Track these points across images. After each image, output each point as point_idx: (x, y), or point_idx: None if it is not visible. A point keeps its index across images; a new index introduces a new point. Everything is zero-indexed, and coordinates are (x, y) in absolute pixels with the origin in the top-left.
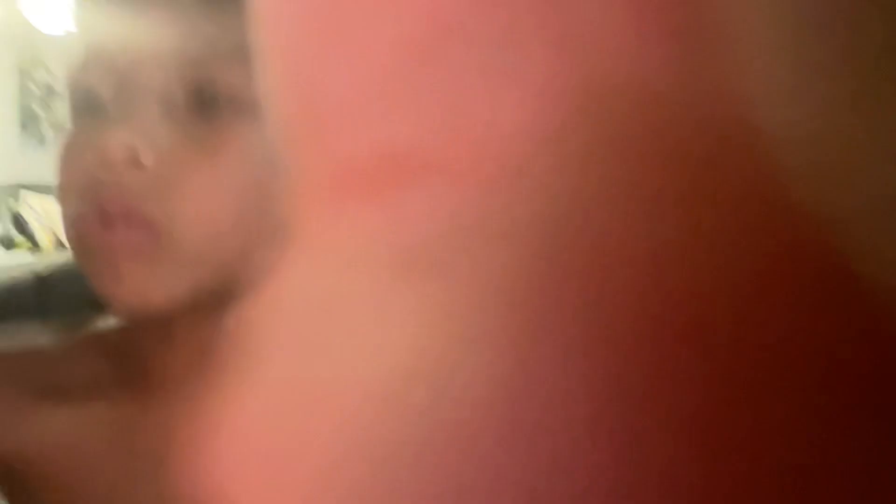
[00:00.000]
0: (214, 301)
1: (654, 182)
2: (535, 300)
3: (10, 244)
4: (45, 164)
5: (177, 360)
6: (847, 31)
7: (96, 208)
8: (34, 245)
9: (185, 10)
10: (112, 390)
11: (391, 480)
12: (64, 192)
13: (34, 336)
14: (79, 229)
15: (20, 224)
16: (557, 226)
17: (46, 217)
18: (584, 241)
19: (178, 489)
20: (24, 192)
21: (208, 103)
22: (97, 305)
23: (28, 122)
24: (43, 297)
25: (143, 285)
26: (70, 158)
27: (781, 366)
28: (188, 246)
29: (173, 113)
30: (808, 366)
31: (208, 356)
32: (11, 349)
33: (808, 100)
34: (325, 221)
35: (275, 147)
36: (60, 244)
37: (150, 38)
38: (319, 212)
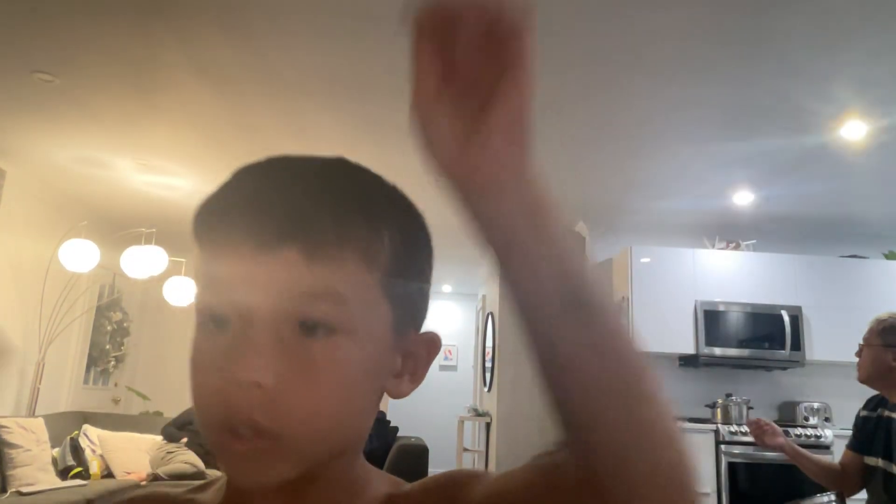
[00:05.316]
0: (312, 474)
1: None
2: None
3: (67, 471)
4: (106, 398)
5: None
6: None
7: (226, 420)
8: (86, 472)
9: (291, 264)
10: None
11: None
12: (197, 397)
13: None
14: (212, 433)
15: (77, 451)
16: None
17: (100, 446)
18: None
19: None
20: (84, 424)
21: (308, 329)
22: None
23: (97, 356)
24: None
25: (262, 475)
26: (201, 368)
27: None
28: (297, 444)
29: (282, 338)
30: None
31: None
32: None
33: None
34: None
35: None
36: (109, 472)
37: (266, 281)
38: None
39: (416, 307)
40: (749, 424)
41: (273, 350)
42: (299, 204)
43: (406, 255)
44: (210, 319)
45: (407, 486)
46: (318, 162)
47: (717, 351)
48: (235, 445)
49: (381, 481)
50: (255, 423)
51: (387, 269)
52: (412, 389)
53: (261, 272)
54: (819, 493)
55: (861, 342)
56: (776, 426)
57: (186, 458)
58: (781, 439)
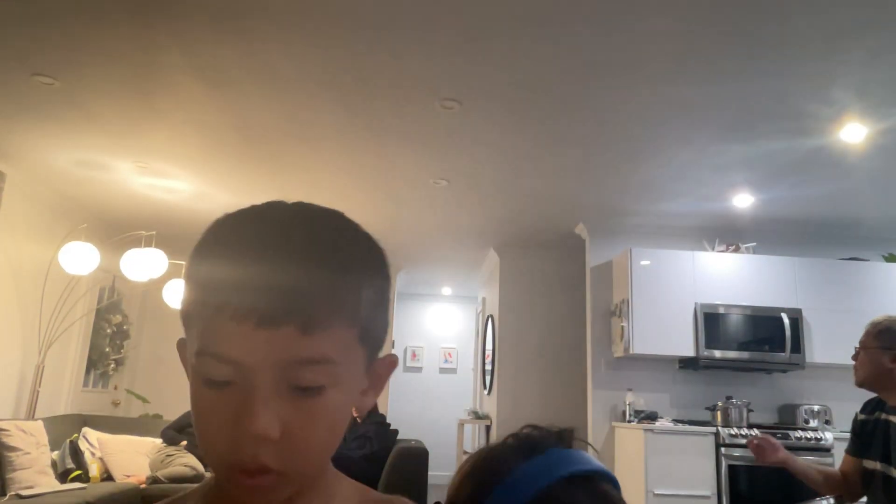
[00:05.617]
0: (297, 490)
1: None
2: None
3: (66, 474)
4: (105, 401)
5: None
6: None
7: (236, 461)
8: (85, 475)
9: (290, 337)
10: None
11: None
12: (206, 443)
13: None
14: (222, 469)
15: (76, 454)
16: None
17: (100, 449)
18: None
19: None
20: (84, 427)
21: (303, 390)
22: None
23: (97, 359)
24: None
25: (267, 501)
26: (208, 419)
27: None
28: (298, 475)
29: (281, 397)
30: None
31: None
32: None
33: None
34: None
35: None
36: (108, 475)
37: (265, 351)
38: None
39: (382, 341)
40: (748, 444)
41: (274, 407)
42: (297, 281)
43: (377, 304)
44: (212, 381)
45: (373, 493)
46: (304, 224)
47: (717, 353)
48: (244, 480)
49: (347, 484)
50: (263, 465)
51: (364, 322)
52: (374, 401)
53: (260, 343)
54: (817, 497)
55: (857, 345)
56: (775, 441)
57: (186, 461)
58: (782, 454)
